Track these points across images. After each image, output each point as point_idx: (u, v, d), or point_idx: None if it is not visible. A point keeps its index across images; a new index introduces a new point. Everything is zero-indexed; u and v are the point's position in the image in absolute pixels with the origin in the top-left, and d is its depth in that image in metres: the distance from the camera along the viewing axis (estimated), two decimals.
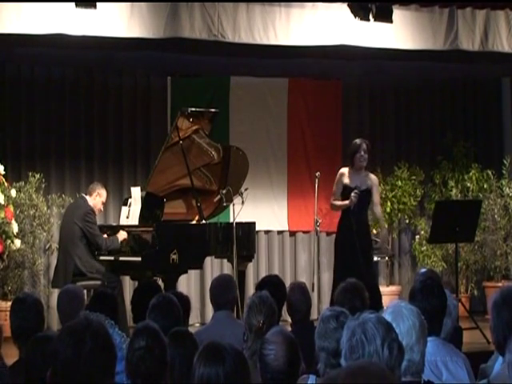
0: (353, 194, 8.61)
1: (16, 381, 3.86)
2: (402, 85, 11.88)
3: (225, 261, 10.13)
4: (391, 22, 9.00)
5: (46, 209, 9.98)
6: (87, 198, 9.04)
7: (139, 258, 8.47)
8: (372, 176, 8.97)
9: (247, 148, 9.60)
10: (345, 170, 8.89)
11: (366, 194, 8.77)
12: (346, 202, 8.68)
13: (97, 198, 9.04)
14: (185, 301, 5.46)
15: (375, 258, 11.18)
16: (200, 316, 10.75)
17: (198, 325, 10.33)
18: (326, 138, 11.36)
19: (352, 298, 5.08)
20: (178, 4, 8.68)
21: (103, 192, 9.13)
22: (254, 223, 9.22)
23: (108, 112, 10.70)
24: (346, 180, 8.81)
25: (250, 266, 10.16)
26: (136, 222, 8.88)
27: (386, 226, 11.36)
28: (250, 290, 9.77)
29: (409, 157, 11.70)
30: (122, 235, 8.80)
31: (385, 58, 10.17)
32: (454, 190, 11.36)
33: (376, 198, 8.92)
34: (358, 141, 8.87)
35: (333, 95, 11.52)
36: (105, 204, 9.36)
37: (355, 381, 2.17)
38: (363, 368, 2.24)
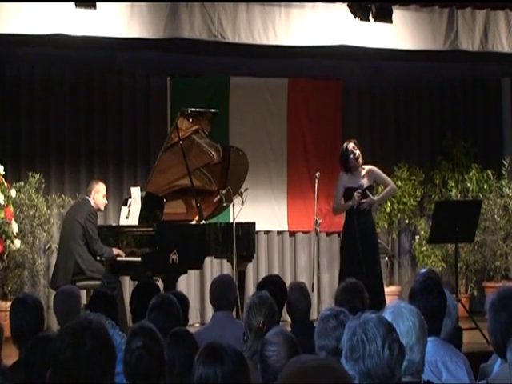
0: (356, 194, 8.61)
1: (16, 381, 3.85)
2: (402, 85, 11.87)
3: (225, 261, 10.13)
4: (391, 22, 9.00)
5: (45, 209, 9.98)
6: (89, 199, 9.02)
7: (139, 258, 8.48)
8: (369, 169, 8.91)
9: (247, 148, 9.59)
10: (344, 173, 8.86)
11: (370, 192, 8.77)
12: (349, 202, 8.68)
13: (96, 196, 9.01)
14: (184, 301, 5.46)
15: None
16: (200, 316, 10.74)
17: (197, 325, 10.32)
18: (326, 138, 11.34)
19: (352, 298, 5.08)
20: (178, 4, 8.68)
21: (100, 187, 9.06)
22: (253, 223, 9.21)
23: (108, 112, 10.69)
24: (347, 182, 8.79)
25: (250, 266, 10.16)
26: (136, 222, 8.88)
27: (386, 225, 11.38)
28: (250, 290, 9.77)
29: (409, 157, 11.69)
30: (117, 250, 8.80)
31: (385, 58, 10.18)
32: (454, 191, 11.35)
33: (385, 181, 9.12)
34: (344, 145, 8.86)
35: (333, 95, 11.51)
36: (105, 203, 9.33)
37: (296, 381, 2.12)
38: (303, 368, 2.17)
